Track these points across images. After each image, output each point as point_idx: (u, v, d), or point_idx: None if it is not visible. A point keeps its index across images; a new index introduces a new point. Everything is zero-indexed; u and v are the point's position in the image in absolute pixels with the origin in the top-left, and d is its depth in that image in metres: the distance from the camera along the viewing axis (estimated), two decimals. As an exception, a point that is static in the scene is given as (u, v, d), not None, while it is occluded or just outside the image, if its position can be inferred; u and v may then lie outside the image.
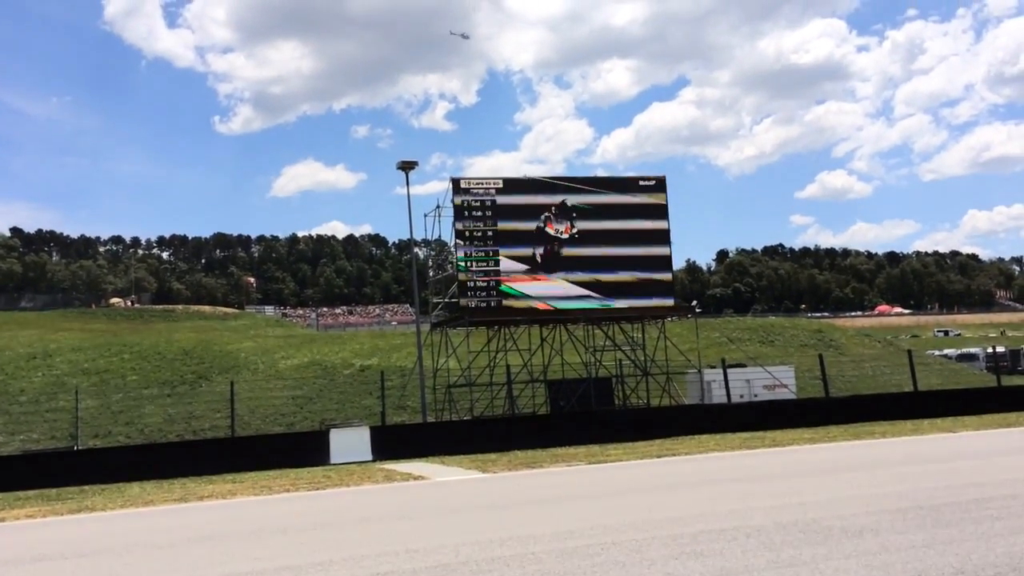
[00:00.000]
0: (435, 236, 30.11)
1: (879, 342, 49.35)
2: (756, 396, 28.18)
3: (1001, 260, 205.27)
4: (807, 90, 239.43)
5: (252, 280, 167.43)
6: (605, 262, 28.39)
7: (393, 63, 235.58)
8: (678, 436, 20.02)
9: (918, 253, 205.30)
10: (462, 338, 28.54)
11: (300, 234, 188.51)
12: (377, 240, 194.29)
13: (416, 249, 35.41)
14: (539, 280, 27.88)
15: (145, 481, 16.88)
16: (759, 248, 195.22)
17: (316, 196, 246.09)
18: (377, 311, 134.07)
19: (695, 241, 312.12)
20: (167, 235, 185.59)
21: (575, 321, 29.59)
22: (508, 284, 27.56)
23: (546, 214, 28.24)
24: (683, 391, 30.80)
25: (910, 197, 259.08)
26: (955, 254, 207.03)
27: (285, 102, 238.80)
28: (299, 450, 19.29)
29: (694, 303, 68.72)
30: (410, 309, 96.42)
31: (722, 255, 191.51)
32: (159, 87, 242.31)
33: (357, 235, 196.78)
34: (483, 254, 27.51)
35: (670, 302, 29.83)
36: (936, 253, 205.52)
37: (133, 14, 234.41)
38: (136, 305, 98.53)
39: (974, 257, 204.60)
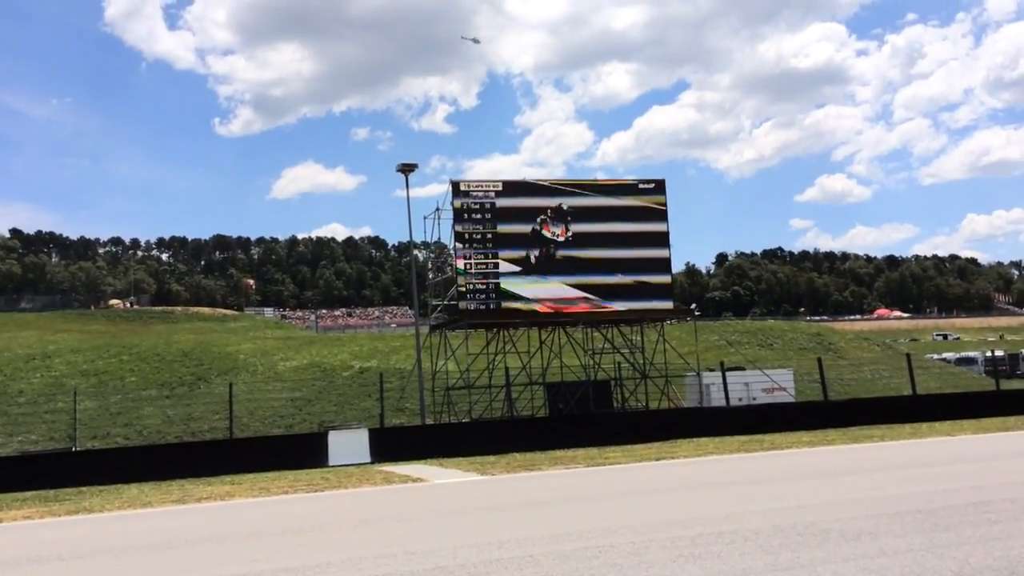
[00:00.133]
0: (434, 239, 30.22)
1: (878, 346, 49.43)
2: (755, 399, 28.21)
3: (1000, 264, 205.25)
4: (807, 94, 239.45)
5: (251, 282, 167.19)
6: (603, 265, 28.42)
7: (393, 65, 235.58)
8: (677, 439, 20.00)
9: (917, 257, 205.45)
10: (461, 340, 28.53)
11: (300, 236, 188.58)
12: (377, 242, 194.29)
13: (415, 251, 35.43)
14: (537, 283, 27.91)
15: (143, 482, 16.85)
16: (758, 251, 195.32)
17: (316, 198, 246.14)
18: (376, 313, 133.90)
19: (694, 244, 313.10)
20: (166, 237, 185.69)
21: (574, 323, 29.61)
22: (507, 286, 27.59)
23: (542, 217, 28.28)
24: (682, 394, 30.83)
25: (909, 201, 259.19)
26: (954, 258, 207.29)
27: (285, 104, 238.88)
28: (298, 452, 19.26)
29: (693, 306, 68.89)
30: (409, 311, 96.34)
31: (721, 258, 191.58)
32: (159, 89, 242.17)
33: (357, 237, 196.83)
34: (482, 256, 27.55)
35: (669, 305, 29.86)
36: (935, 257, 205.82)
37: (133, 16, 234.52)
38: (135, 307, 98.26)
39: (973, 261, 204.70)
